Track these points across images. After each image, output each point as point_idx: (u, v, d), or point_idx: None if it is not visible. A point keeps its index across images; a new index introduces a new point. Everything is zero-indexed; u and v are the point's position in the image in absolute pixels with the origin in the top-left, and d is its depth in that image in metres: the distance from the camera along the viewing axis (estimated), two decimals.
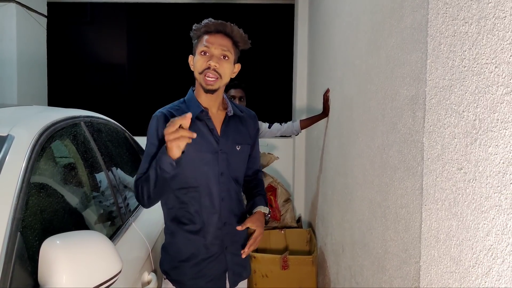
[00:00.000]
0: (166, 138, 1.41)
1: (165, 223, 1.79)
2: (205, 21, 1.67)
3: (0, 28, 3.80)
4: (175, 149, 1.42)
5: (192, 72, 1.72)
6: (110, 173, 1.95)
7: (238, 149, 1.77)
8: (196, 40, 1.71)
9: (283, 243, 3.60)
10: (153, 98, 4.49)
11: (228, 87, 2.91)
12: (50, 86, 4.43)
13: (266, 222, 1.78)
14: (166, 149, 1.45)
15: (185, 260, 1.71)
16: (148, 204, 1.62)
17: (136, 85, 4.58)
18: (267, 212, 1.81)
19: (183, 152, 1.47)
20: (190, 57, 1.75)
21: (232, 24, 1.68)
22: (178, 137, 1.40)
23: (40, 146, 1.35)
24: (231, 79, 1.76)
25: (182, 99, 1.78)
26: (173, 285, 1.73)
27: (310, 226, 3.75)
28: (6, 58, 3.82)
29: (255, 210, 1.80)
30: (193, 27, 1.70)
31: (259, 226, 1.73)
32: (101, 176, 1.88)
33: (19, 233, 1.09)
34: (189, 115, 1.41)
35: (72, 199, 1.58)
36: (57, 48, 4.45)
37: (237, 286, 1.82)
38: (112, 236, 1.70)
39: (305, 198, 4.19)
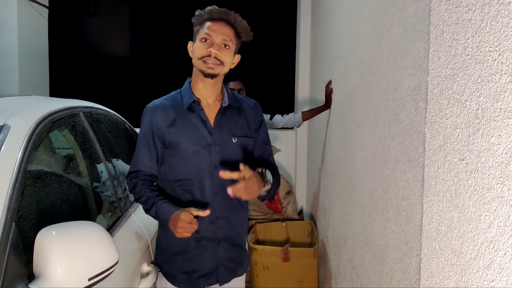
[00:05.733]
0: (177, 226, 1.50)
1: None
2: (209, 8, 1.64)
3: (1, 18, 3.79)
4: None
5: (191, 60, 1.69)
6: (109, 164, 1.94)
7: (234, 141, 1.70)
8: (197, 27, 1.67)
9: (284, 235, 3.60)
10: (155, 89, 4.46)
11: (226, 80, 2.88)
12: (52, 77, 4.42)
13: (266, 182, 1.69)
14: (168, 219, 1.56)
15: (176, 253, 1.69)
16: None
17: (139, 77, 4.56)
18: (260, 170, 1.66)
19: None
20: (190, 43, 1.71)
21: (236, 14, 1.65)
22: (187, 231, 1.51)
23: (37, 136, 1.34)
24: (230, 71, 1.73)
25: (178, 90, 1.75)
26: (166, 278, 1.71)
27: (312, 218, 3.74)
28: (7, 49, 3.81)
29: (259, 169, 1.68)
30: (196, 13, 1.67)
31: (253, 176, 1.54)
32: (101, 167, 1.87)
33: (14, 223, 1.08)
34: (207, 212, 1.54)
35: (70, 189, 1.57)
36: (59, 39, 4.43)
37: (233, 284, 1.77)
38: (111, 226, 1.69)
39: (307, 190, 4.18)
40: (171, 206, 1.58)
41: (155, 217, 1.65)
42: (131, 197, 2.05)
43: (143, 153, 1.69)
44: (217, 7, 1.64)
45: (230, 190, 1.49)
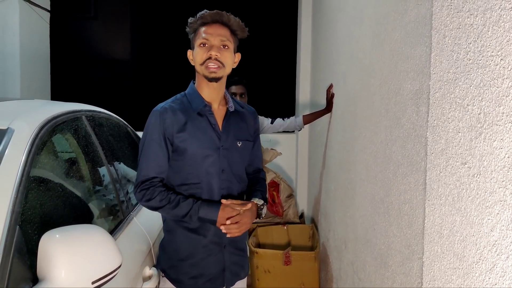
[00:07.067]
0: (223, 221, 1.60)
1: (164, 221, 1.76)
2: (201, 13, 1.65)
3: (3, 22, 3.80)
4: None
5: (193, 66, 1.70)
6: (112, 167, 1.94)
7: (239, 145, 1.74)
8: (192, 34, 1.69)
9: (285, 238, 3.59)
10: (156, 93, 4.48)
11: (229, 84, 2.89)
12: (53, 80, 4.43)
13: (259, 215, 1.73)
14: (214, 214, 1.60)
15: (183, 259, 1.68)
16: (149, 209, 1.66)
17: (140, 80, 4.57)
18: (260, 203, 1.72)
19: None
20: (189, 52, 1.73)
21: (228, 13, 1.66)
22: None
23: (40, 140, 1.35)
24: (232, 75, 1.74)
25: (182, 93, 1.76)
26: (172, 284, 1.71)
27: (313, 221, 3.75)
28: (9, 52, 3.82)
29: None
30: (189, 21, 1.68)
31: (248, 215, 1.66)
32: (103, 170, 1.87)
33: (18, 226, 1.09)
34: (249, 205, 1.65)
35: (73, 193, 1.57)
36: (60, 42, 4.44)
37: (235, 286, 1.79)
38: (114, 230, 1.70)
39: (308, 193, 4.18)
40: (210, 207, 1.61)
41: (188, 220, 1.62)
42: (134, 200, 2.05)
43: (157, 156, 1.63)
44: (208, 11, 1.65)
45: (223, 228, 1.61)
